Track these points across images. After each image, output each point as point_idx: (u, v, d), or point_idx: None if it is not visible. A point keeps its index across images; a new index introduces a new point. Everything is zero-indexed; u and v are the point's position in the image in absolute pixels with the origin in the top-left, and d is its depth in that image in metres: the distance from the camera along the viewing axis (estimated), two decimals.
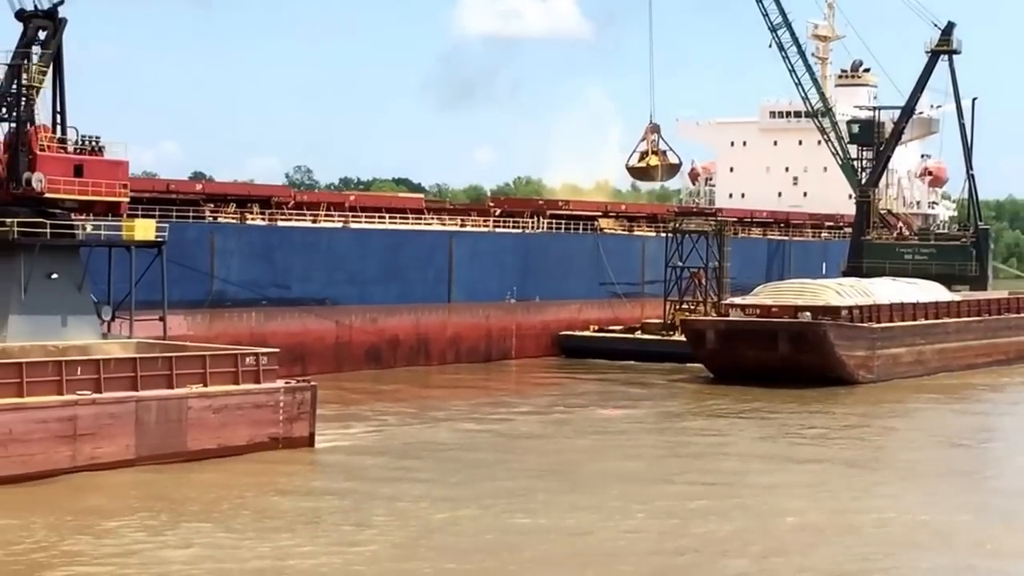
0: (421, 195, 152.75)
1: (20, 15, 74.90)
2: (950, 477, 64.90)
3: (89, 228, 76.46)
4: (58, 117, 77.06)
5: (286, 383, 68.49)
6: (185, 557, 45.29)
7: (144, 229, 76.58)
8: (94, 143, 77.33)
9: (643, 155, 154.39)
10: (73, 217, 76.46)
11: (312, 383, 70.54)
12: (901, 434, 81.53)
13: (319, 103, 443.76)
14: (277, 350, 71.75)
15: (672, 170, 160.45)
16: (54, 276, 74.02)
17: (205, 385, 64.55)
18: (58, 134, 77.26)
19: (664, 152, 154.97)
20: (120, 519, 50.44)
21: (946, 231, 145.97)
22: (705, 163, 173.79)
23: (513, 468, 64.77)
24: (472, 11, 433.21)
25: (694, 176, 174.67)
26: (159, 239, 76.70)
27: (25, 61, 76.00)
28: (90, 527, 49.31)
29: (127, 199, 76.82)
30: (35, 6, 75.12)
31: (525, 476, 62.23)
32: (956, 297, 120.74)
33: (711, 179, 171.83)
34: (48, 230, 73.42)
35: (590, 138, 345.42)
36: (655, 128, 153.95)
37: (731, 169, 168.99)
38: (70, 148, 76.82)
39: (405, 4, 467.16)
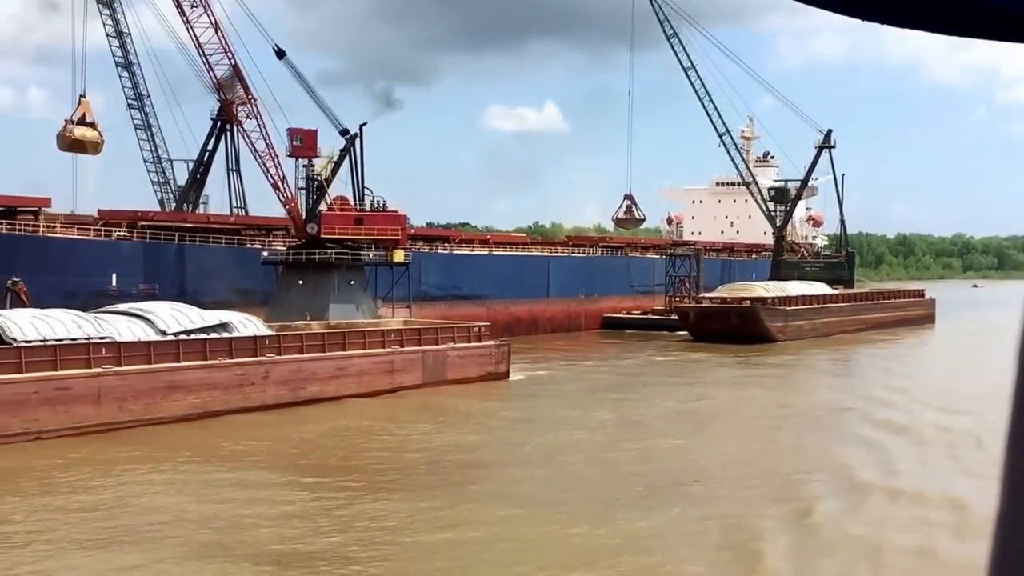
0: (525, 234, 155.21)
1: (342, 133, 79.06)
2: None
3: (372, 255, 79.03)
4: (362, 190, 79.45)
5: (494, 342, 70.01)
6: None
7: (400, 255, 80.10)
8: (379, 204, 79.41)
9: (626, 212, 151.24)
10: (363, 249, 77.88)
11: (508, 342, 72.02)
12: (798, 362, 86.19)
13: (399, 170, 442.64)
14: (489, 324, 73.26)
15: (639, 223, 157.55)
16: (352, 282, 77.57)
17: (455, 343, 66.94)
18: (353, 200, 79.14)
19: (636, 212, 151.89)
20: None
21: (829, 253, 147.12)
22: (676, 213, 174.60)
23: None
24: (494, 116, 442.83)
25: (670, 221, 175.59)
26: (408, 261, 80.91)
27: (309, 161, 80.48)
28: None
29: (399, 237, 78.78)
30: (345, 130, 78.77)
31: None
32: (833, 291, 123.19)
33: (680, 223, 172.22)
34: (349, 256, 77.19)
35: (579, 196, 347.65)
36: (630, 197, 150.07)
37: (692, 217, 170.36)
38: (367, 207, 78.51)
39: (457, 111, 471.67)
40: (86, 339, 47.06)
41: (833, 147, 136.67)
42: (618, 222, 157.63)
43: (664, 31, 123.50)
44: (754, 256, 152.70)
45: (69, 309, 50.96)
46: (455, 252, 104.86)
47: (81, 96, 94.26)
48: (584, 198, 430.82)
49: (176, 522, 30.92)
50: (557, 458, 42.11)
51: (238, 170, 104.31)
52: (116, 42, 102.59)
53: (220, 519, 31.50)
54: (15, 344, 44.43)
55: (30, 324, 45.71)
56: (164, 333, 51.16)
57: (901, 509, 33.45)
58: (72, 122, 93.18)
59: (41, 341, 45.26)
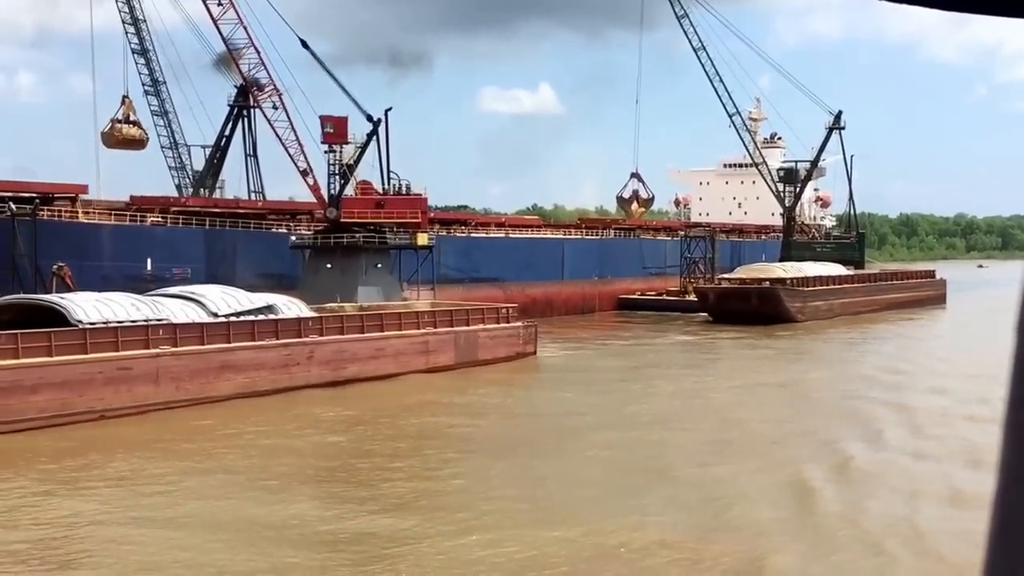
0: (538, 216, 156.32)
1: (368, 119, 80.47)
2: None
3: (397, 239, 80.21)
4: (387, 174, 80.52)
5: (522, 323, 70.97)
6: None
7: (423, 238, 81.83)
8: (403, 187, 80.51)
9: (633, 192, 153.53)
10: (387, 232, 79.39)
11: (535, 323, 73.08)
12: (815, 344, 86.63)
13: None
14: (516, 305, 75.06)
15: (648, 203, 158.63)
16: (379, 265, 79.29)
17: (484, 324, 68.09)
18: (378, 184, 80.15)
19: (642, 192, 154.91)
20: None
21: (839, 233, 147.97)
22: (684, 195, 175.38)
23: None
24: (488, 98, 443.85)
25: (678, 203, 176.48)
26: (431, 244, 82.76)
27: (335, 146, 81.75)
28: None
29: (419, 220, 79.96)
30: (370, 116, 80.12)
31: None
32: (848, 272, 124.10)
33: (688, 205, 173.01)
34: (376, 239, 79.11)
35: (577, 177, 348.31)
36: (638, 175, 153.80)
37: (700, 199, 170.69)
38: (390, 192, 79.75)
39: (450, 94, 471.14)
40: (145, 321, 49.10)
41: (843, 128, 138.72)
42: (622, 201, 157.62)
43: (674, 11, 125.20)
44: (763, 237, 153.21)
45: (125, 293, 52.81)
46: (473, 235, 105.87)
47: (125, 96, 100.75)
48: (582, 179, 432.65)
49: (232, 500, 31.96)
50: (624, 431, 44.05)
51: (255, 155, 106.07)
52: (131, 28, 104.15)
53: (281, 494, 32.64)
54: (80, 326, 46.46)
55: (93, 307, 47.78)
56: (215, 315, 53.21)
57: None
58: (119, 121, 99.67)
59: (104, 323, 47.31)
